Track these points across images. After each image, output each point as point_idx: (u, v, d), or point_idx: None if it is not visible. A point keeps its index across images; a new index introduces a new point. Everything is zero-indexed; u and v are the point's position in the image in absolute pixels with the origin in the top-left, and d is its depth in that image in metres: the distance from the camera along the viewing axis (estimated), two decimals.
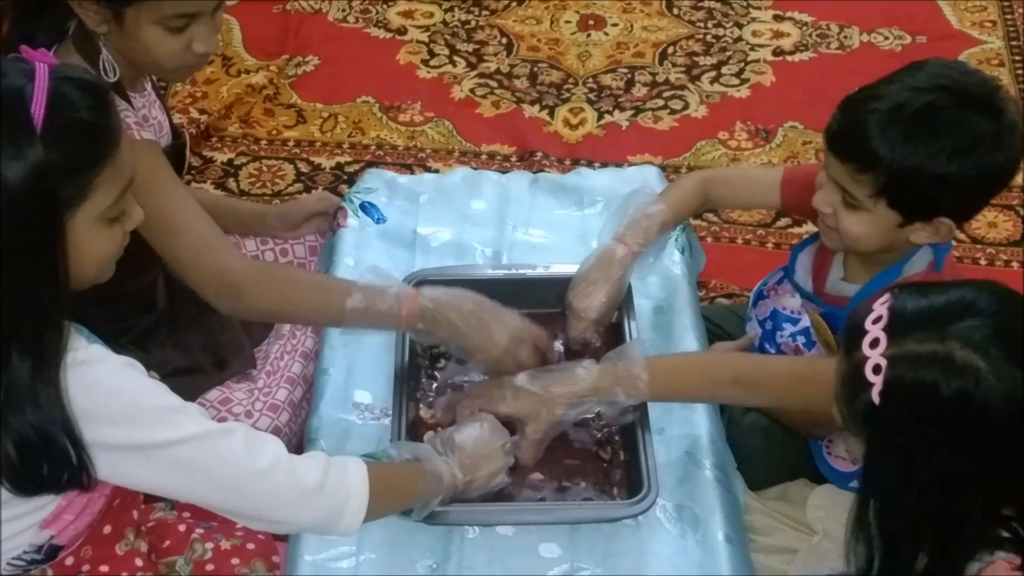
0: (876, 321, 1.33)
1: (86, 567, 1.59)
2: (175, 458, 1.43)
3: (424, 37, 3.58)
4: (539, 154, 3.14)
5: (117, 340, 1.93)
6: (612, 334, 1.95)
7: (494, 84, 3.42)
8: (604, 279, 1.90)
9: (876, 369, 1.30)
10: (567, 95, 3.37)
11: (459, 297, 1.81)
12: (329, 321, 1.91)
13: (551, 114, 3.31)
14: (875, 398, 1.30)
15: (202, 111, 3.30)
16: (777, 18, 3.60)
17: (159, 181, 1.77)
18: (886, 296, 1.36)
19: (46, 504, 1.48)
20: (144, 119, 1.90)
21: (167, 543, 1.72)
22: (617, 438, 1.84)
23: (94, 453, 1.41)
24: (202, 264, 1.78)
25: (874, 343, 1.31)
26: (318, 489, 1.51)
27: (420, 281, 1.93)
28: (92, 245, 1.44)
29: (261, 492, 1.48)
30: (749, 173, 2.32)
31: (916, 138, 1.67)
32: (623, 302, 1.94)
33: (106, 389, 1.42)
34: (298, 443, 2.03)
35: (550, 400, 1.73)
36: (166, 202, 1.76)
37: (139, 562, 1.67)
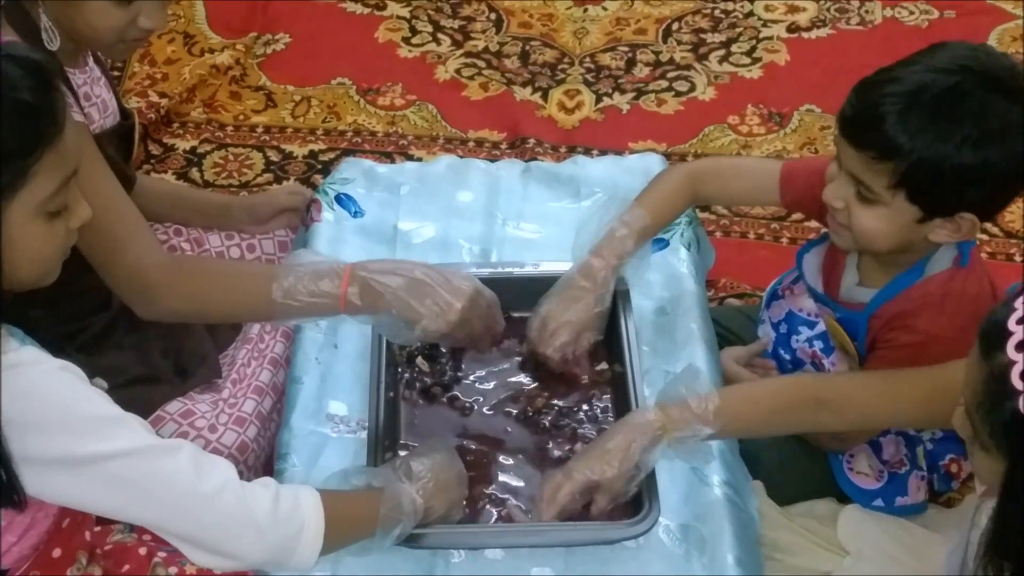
0: (1021, 321, 1.29)
1: None
2: (109, 474, 1.42)
3: (405, 12, 3.58)
4: (531, 141, 3.14)
5: (67, 343, 1.95)
6: (607, 343, 1.95)
7: (482, 64, 3.42)
8: (574, 307, 1.87)
9: None
10: (562, 76, 3.37)
11: (398, 264, 1.80)
12: (258, 314, 1.90)
13: (544, 97, 3.31)
14: (1022, 407, 1.26)
15: (162, 94, 3.30)
16: None
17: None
18: None
19: None
20: (85, 97, 1.89)
21: (126, 567, 1.71)
22: None
23: (22, 467, 1.40)
24: (116, 263, 1.77)
25: (1021, 346, 1.28)
26: (269, 518, 1.49)
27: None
28: (32, 240, 1.43)
29: (206, 517, 1.47)
30: (742, 164, 2.26)
31: (939, 124, 1.66)
32: (620, 303, 1.94)
33: (38, 394, 1.40)
34: (267, 459, 2.03)
35: (609, 458, 1.69)
36: (83, 190, 1.73)
37: None
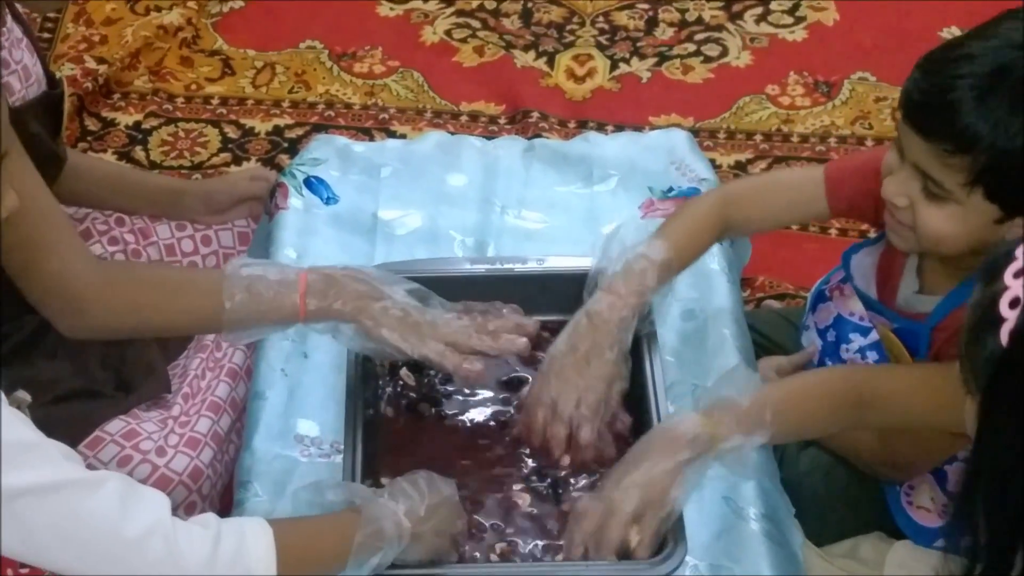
0: None
1: None
2: (18, 511, 1.40)
3: None
4: (535, 115, 3.15)
5: None
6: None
7: (476, 24, 3.42)
8: (579, 381, 1.83)
9: (1014, 303, 1.28)
10: (571, 38, 3.37)
11: (362, 270, 1.84)
12: (205, 326, 1.91)
13: (550, 63, 3.31)
14: (1003, 338, 1.28)
15: (100, 60, 3.30)
16: None
17: None
18: None
19: None
20: (4, 64, 1.89)
21: None
22: None
23: None
24: (37, 270, 1.75)
25: (1019, 273, 1.30)
26: (205, 566, 1.48)
27: None
28: None
29: (129, 567, 1.45)
30: (781, 180, 2.25)
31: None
32: (645, 345, 1.91)
33: None
34: (225, 487, 2.03)
35: (658, 476, 1.68)
36: None
37: None
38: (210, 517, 1.55)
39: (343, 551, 1.59)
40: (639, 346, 1.90)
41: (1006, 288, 1.30)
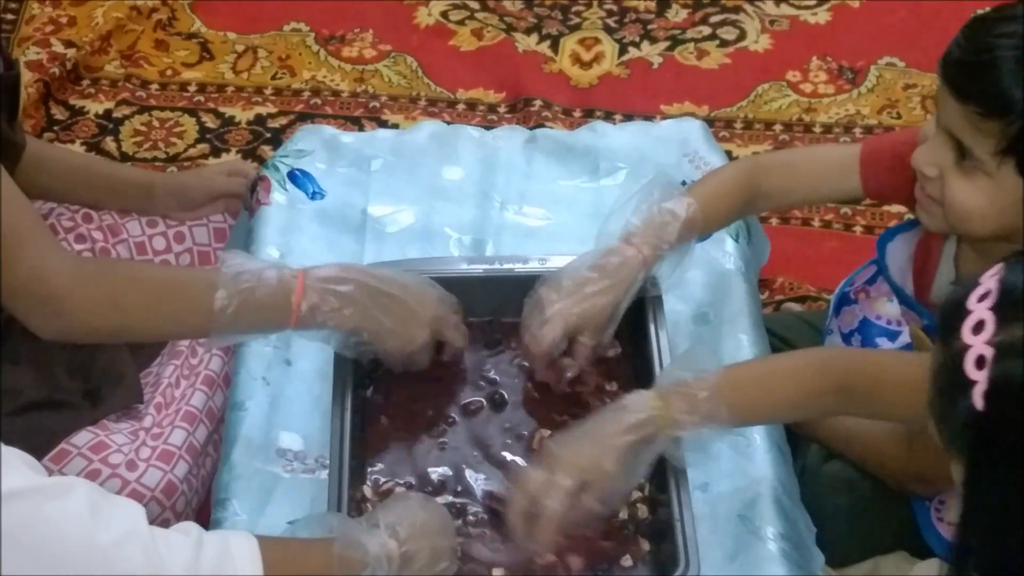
0: (983, 298, 1.32)
1: None
2: None
3: None
4: (537, 103, 3.15)
5: None
6: (631, 360, 1.95)
7: (475, 5, 3.42)
8: (577, 295, 1.87)
9: (979, 362, 1.29)
10: (577, 20, 3.38)
11: (357, 271, 1.85)
12: (192, 329, 1.91)
13: (554, 47, 3.32)
14: (977, 401, 1.29)
15: (68, 43, 3.30)
16: None
17: None
18: (999, 267, 1.36)
19: None
20: None
21: None
22: (644, 493, 1.85)
23: None
24: (7, 267, 1.76)
25: (978, 327, 1.30)
26: (187, 572, 1.48)
27: None
28: None
29: (104, 573, 1.46)
30: (816, 153, 2.30)
31: None
32: (649, 310, 1.94)
33: None
34: (202, 504, 2.03)
35: (601, 450, 1.71)
36: None
37: None
38: (190, 525, 1.56)
39: (328, 570, 1.60)
40: (643, 309, 1.92)
41: (967, 347, 1.30)
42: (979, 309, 1.31)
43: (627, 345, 1.97)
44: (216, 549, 1.52)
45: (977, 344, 1.29)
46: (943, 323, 1.37)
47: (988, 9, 1.77)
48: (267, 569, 1.54)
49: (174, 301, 1.81)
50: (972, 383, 1.29)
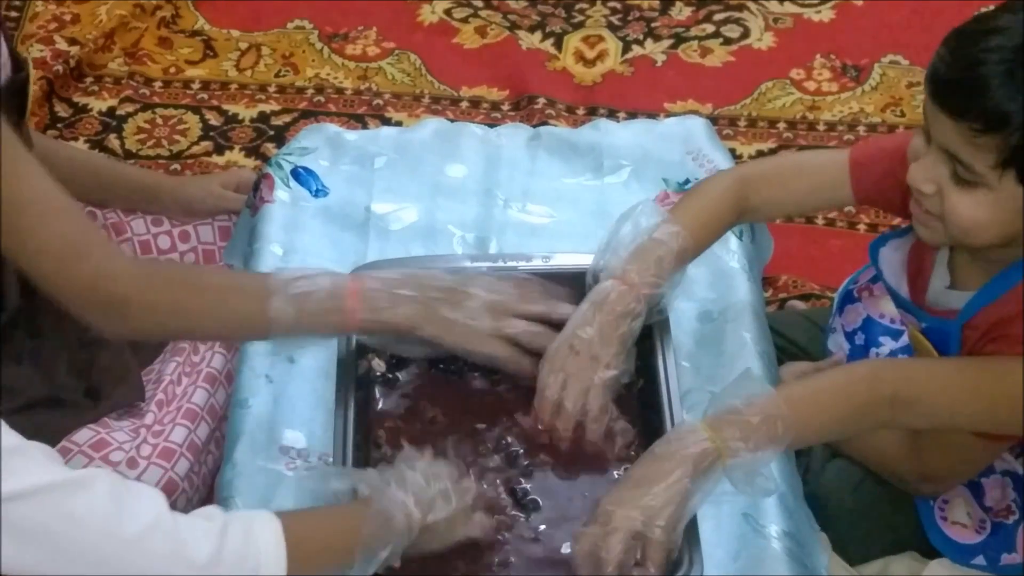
0: None
1: None
2: (7, 521, 1.41)
3: None
4: (541, 100, 3.15)
5: None
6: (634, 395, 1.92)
7: (478, 3, 3.42)
8: (578, 375, 1.83)
9: None
10: (580, 18, 3.38)
11: (413, 274, 1.86)
12: (249, 334, 1.91)
13: (558, 45, 3.31)
14: None
15: (72, 40, 3.30)
16: None
17: None
18: None
19: None
20: None
21: None
22: None
23: None
24: (71, 274, 1.76)
25: None
26: (212, 561, 1.49)
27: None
28: None
29: (131, 567, 1.46)
30: (804, 161, 2.23)
31: None
32: (657, 338, 1.91)
33: None
34: (203, 502, 2.03)
35: (663, 500, 1.67)
36: (4, 181, 1.69)
37: None
38: (213, 510, 1.58)
39: (352, 544, 1.61)
40: (650, 337, 1.90)
41: None
42: None
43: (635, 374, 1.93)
44: (240, 536, 1.53)
45: None
46: None
47: (967, 21, 1.74)
48: (290, 547, 1.55)
49: (233, 306, 1.82)
50: None
